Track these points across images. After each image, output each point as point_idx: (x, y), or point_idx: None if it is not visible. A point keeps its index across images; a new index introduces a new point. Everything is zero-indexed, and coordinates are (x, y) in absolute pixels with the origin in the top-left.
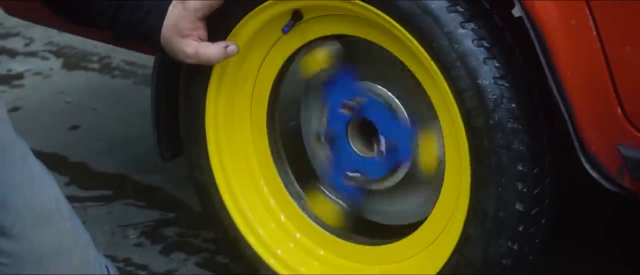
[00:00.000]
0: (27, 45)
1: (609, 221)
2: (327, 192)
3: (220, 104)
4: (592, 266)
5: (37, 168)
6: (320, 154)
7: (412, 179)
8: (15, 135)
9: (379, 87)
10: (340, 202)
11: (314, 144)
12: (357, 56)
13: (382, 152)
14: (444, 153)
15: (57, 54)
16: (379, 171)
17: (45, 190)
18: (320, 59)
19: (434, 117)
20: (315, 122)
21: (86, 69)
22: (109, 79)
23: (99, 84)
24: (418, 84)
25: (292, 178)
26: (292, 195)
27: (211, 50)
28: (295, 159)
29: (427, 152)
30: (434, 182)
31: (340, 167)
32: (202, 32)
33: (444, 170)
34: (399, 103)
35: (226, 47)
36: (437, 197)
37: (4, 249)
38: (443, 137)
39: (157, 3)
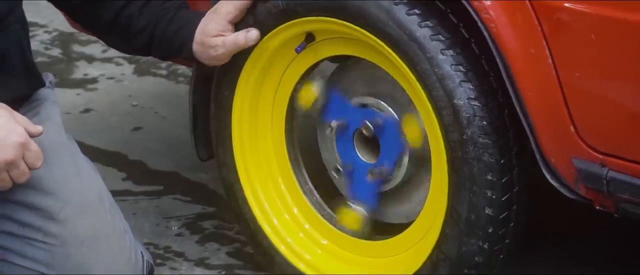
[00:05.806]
0: (104, 52)
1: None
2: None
3: (245, 112)
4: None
5: (85, 165)
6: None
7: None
8: (67, 138)
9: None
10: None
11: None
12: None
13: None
14: None
15: (130, 60)
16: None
17: (90, 184)
18: (313, 91)
19: None
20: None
21: (154, 74)
22: (174, 84)
23: (165, 89)
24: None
25: (306, 177)
26: (305, 192)
27: (234, 35)
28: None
29: None
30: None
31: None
32: (229, 35)
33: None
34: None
35: (247, 31)
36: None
37: (51, 232)
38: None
39: (188, 18)
